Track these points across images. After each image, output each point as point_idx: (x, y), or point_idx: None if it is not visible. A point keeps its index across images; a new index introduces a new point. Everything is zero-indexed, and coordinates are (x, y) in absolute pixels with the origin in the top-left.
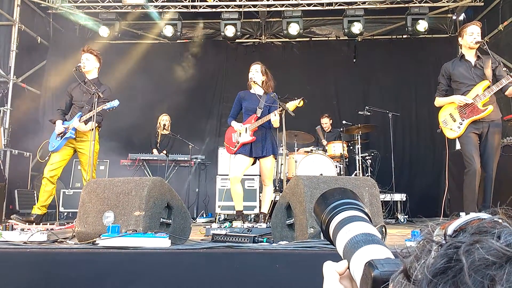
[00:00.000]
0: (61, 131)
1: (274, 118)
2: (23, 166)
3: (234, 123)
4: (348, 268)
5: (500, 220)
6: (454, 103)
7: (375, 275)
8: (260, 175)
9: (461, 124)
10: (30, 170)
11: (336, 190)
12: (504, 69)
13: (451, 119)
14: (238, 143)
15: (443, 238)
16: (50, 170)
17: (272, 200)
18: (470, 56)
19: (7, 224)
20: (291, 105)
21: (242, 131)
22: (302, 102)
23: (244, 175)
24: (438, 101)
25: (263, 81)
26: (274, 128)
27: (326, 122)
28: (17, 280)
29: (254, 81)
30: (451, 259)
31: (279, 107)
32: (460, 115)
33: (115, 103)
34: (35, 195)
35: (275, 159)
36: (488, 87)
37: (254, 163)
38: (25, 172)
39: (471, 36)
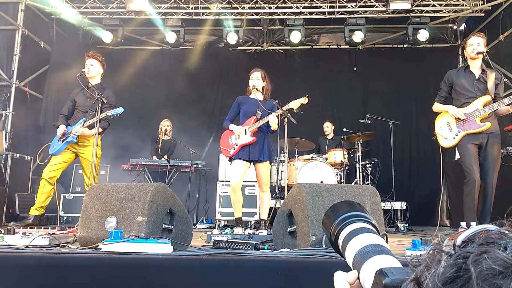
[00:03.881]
0: (63, 133)
1: (273, 119)
2: (24, 170)
3: (232, 126)
4: (358, 278)
5: (506, 232)
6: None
7: (385, 282)
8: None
9: (456, 135)
10: (30, 174)
11: (344, 203)
12: (505, 80)
13: (448, 128)
14: (237, 145)
15: (453, 248)
16: (49, 171)
17: (272, 207)
18: (475, 68)
19: (8, 228)
20: (296, 103)
21: (241, 133)
22: (307, 100)
23: (244, 181)
24: (436, 106)
25: (263, 87)
26: (272, 133)
27: (328, 125)
28: (18, 285)
29: (257, 89)
30: (460, 268)
31: (278, 112)
32: (457, 126)
33: (120, 110)
34: (35, 199)
35: (271, 164)
36: (489, 102)
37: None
38: (26, 176)
39: (471, 47)
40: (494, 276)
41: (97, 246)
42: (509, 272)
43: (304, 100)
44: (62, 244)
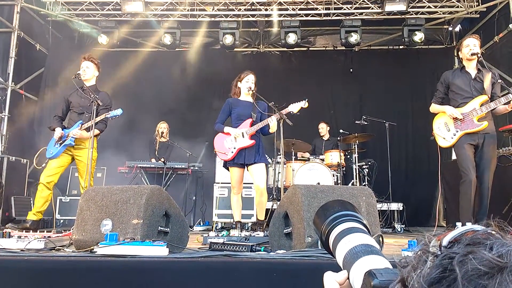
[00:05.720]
0: (61, 136)
1: (273, 123)
2: (20, 173)
3: (229, 128)
4: (348, 278)
5: (493, 232)
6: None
7: (374, 284)
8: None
9: (454, 135)
10: (26, 177)
11: (335, 202)
12: (500, 81)
13: (445, 128)
14: (235, 148)
15: (439, 249)
16: (47, 176)
17: (269, 209)
18: (471, 68)
19: (4, 231)
20: (297, 107)
21: (238, 136)
22: (307, 104)
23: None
24: (433, 107)
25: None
26: (265, 135)
27: (322, 127)
28: None
29: (253, 91)
30: (446, 269)
31: (278, 116)
32: (454, 126)
33: (118, 111)
34: (32, 202)
35: (266, 168)
36: (486, 102)
37: None
38: (22, 179)
39: (467, 48)
40: (480, 276)
41: (93, 249)
42: (494, 272)
43: (304, 104)
44: (57, 247)
